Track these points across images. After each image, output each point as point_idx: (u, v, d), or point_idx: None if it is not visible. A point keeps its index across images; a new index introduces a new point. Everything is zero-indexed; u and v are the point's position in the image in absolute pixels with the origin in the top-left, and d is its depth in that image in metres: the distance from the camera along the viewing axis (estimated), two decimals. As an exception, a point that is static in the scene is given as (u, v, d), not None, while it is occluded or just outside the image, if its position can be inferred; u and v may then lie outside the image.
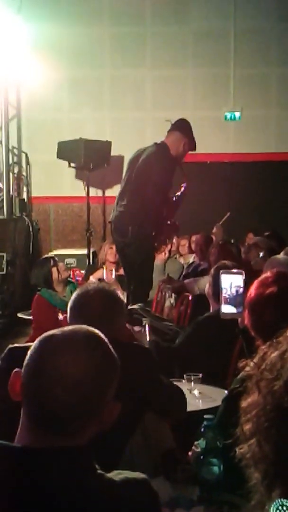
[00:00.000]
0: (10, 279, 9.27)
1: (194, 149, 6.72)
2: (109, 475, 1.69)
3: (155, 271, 6.88)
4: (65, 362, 1.68)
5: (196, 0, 10.46)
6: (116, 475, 1.71)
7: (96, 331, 1.80)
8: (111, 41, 10.59)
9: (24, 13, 10.14)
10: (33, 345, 1.77)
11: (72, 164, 9.86)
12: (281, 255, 5.00)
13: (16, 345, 2.76)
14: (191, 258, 8.11)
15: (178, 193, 6.78)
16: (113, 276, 6.96)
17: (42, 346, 1.75)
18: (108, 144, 9.53)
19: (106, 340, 1.78)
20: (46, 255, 7.43)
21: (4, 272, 9.13)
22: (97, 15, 10.53)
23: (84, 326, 1.82)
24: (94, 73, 10.59)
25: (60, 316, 5.33)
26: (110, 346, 1.78)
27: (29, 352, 1.76)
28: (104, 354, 1.75)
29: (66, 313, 2.94)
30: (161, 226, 6.60)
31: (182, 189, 6.81)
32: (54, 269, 5.78)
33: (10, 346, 2.73)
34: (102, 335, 1.79)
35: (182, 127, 6.67)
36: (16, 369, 1.78)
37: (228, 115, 10.28)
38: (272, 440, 1.22)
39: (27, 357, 1.76)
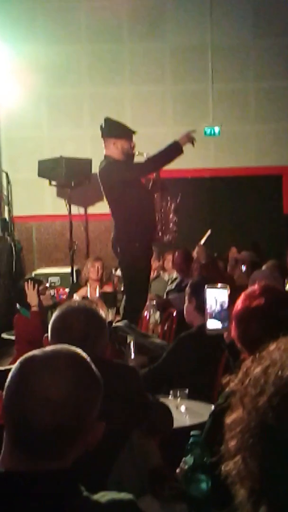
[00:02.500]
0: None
1: (131, 137, 6.69)
2: (95, 496, 1.67)
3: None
4: (46, 384, 1.66)
5: (173, 16, 10.51)
6: (102, 496, 1.69)
7: (78, 350, 1.78)
8: (89, 58, 10.61)
9: (1, 32, 10.16)
10: (14, 366, 1.75)
11: (53, 182, 9.85)
12: (263, 268, 5.02)
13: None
14: (175, 273, 8.11)
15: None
16: (97, 293, 6.94)
17: (23, 367, 1.72)
18: (88, 162, 9.52)
19: (88, 359, 1.76)
20: (29, 276, 7.41)
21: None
22: (74, 33, 10.55)
23: (66, 346, 1.80)
24: (72, 90, 10.60)
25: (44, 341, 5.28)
26: (93, 366, 1.76)
27: (10, 374, 1.74)
28: (86, 374, 1.73)
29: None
30: (147, 235, 6.59)
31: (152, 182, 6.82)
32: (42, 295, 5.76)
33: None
34: (84, 355, 1.77)
35: (109, 131, 6.67)
36: None
37: (208, 130, 10.32)
38: (257, 456, 1.22)
39: (8, 378, 1.73)
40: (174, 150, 6.60)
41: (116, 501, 1.69)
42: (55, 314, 2.86)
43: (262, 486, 1.23)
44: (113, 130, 6.60)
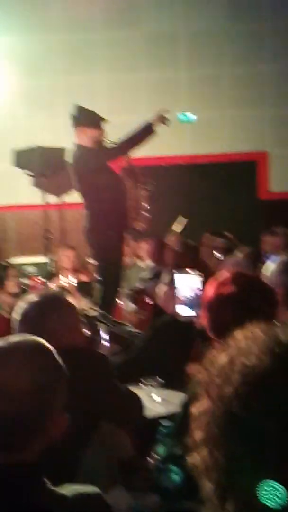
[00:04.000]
0: None
1: (102, 125, 6.65)
2: (61, 490, 1.63)
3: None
4: (7, 374, 1.62)
5: (145, 4, 10.43)
6: (67, 489, 1.65)
7: (41, 340, 1.74)
8: (62, 47, 10.51)
9: None
10: None
11: (28, 172, 9.77)
12: (237, 255, 4.98)
13: None
14: (149, 261, 8.07)
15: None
16: (72, 282, 6.89)
17: None
18: (63, 151, 9.45)
19: (51, 349, 1.72)
20: (3, 263, 7.34)
21: None
22: (49, 23, 10.46)
23: (29, 336, 1.76)
24: (47, 80, 10.51)
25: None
26: (56, 356, 1.71)
27: None
28: (48, 365, 1.69)
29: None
30: (120, 223, 6.55)
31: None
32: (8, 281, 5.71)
33: None
34: (47, 345, 1.73)
35: (80, 119, 6.62)
36: None
37: (182, 117, 10.25)
38: (223, 448, 1.18)
39: None
40: (145, 131, 6.55)
41: (82, 493, 1.65)
42: (17, 307, 2.81)
43: (228, 478, 1.19)
44: (84, 118, 6.55)
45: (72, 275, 7.29)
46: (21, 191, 10.40)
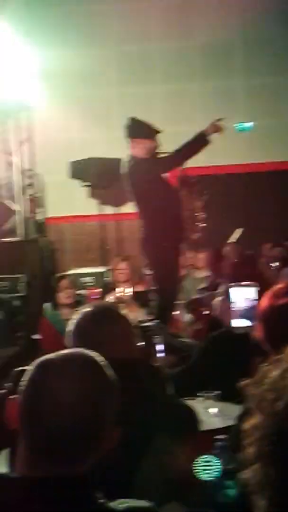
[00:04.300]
0: (28, 301, 9.23)
1: (156, 136, 6.62)
2: (112, 504, 1.62)
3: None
4: (59, 388, 1.62)
5: (202, 14, 10.43)
6: (120, 503, 1.64)
7: (93, 354, 1.73)
8: (118, 59, 10.58)
9: (32, 36, 10.17)
10: (29, 370, 1.71)
11: (85, 183, 9.85)
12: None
13: (23, 367, 2.68)
14: (207, 272, 8.03)
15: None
16: (128, 293, 6.90)
17: (37, 371, 1.69)
18: (119, 162, 9.49)
19: (103, 363, 1.71)
20: (59, 274, 7.39)
21: (23, 293, 9.11)
22: (104, 35, 10.54)
23: (81, 350, 1.76)
24: (102, 92, 10.59)
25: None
26: (108, 369, 1.70)
27: (24, 378, 1.70)
28: (101, 378, 1.68)
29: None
30: (175, 234, 6.53)
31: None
32: (60, 292, 5.74)
33: (17, 369, 2.66)
34: (98, 358, 1.72)
35: (134, 131, 6.60)
36: (10, 397, 1.72)
37: (240, 126, 10.19)
38: (276, 464, 1.15)
39: (24, 383, 1.69)
40: (199, 141, 6.51)
41: (134, 508, 1.64)
42: (73, 318, 2.80)
43: (281, 496, 1.16)
44: (138, 130, 6.56)
45: (128, 286, 7.29)
46: (77, 202, 10.49)
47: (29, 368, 1.72)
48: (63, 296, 6.14)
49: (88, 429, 1.61)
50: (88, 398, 1.62)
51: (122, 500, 1.68)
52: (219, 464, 1.02)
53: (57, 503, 1.57)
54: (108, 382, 1.69)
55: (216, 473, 1.03)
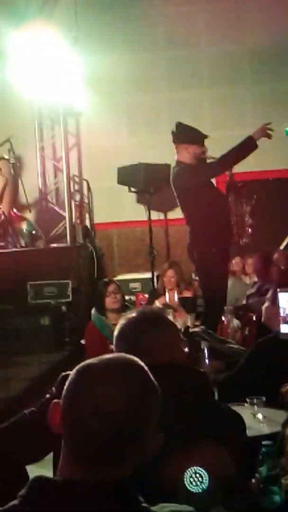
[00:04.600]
0: (76, 306, 9.28)
1: (203, 141, 6.58)
2: (154, 508, 1.61)
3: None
4: (101, 393, 1.61)
5: (251, 18, 10.38)
6: (162, 508, 1.63)
7: (135, 359, 1.72)
8: (166, 64, 10.59)
9: (80, 43, 10.24)
10: (71, 375, 1.71)
11: (133, 189, 9.86)
12: None
13: (68, 372, 2.68)
14: (255, 277, 7.97)
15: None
16: (175, 298, 6.89)
17: (78, 376, 1.69)
18: (167, 167, 9.49)
19: (145, 368, 1.70)
20: (107, 279, 7.41)
21: (70, 299, 9.15)
22: (152, 40, 10.56)
23: (123, 354, 1.75)
24: (151, 97, 10.60)
25: (112, 346, 5.28)
26: (149, 374, 1.69)
27: (66, 383, 1.70)
28: (143, 383, 1.67)
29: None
30: (223, 240, 6.49)
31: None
32: (107, 297, 5.76)
33: (63, 373, 2.66)
34: (140, 363, 1.71)
35: (181, 136, 6.56)
36: (54, 401, 1.72)
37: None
38: None
39: (65, 387, 1.69)
40: (247, 145, 6.46)
41: (175, 513, 1.63)
42: (119, 323, 2.80)
43: None
44: (185, 135, 6.54)
45: (176, 292, 7.28)
46: (125, 208, 10.52)
47: (71, 373, 1.72)
48: (110, 301, 6.17)
49: (129, 434, 1.60)
50: (128, 402, 1.61)
51: (165, 504, 1.67)
52: (207, 476, 1.02)
53: (100, 507, 1.57)
54: (150, 387, 1.68)
55: (204, 485, 1.03)
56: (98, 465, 1.61)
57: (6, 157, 9.32)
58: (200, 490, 1.03)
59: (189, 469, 1.05)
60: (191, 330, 5.04)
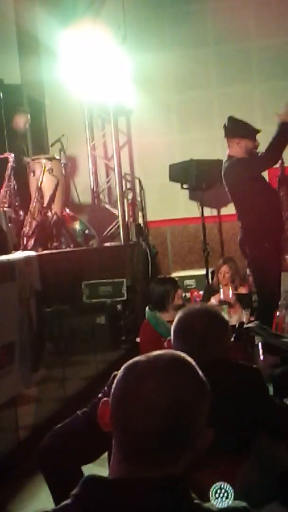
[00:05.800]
0: (131, 305, 9.30)
1: (255, 136, 6.48)
2: (207, 504, 1.59)
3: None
4: (149, 390, 1.59)
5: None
6: (214, 504, 1.61)
7: (183, 355, 1.70)
8: (216, 59, 10.52)
9: (129, 41, 10.26)
10: (119, 372, 1.70)
11: (185, 186, 9.84)
12: None
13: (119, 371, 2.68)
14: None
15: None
16: (230, 294, 6.84)
17: (126, 373, 1.67)
18: (219, 163, 9.43)
19: (192, 364, 1.68)
20: (169, 276, 7.39)
21: (125, 297, 9.17)
22: (200, 36, 10.51)
23: (170, 350, 1.74)
24: (201, 93, 10.56)
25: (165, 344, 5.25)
26: (197, 370, 1.67)
27: (115, 381, 1.69)
28: (191, 379, 1.65)
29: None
30: (276, 234, 6.42)
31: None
32: (173, 294, 5.74)
33: (115, 372, 2.66)
34: (189, 359, 1.69)
35: (233, 130, 6.47)
36: (104, 399, 1.71)
37: None
38: None
39: (114, 385, 1.68)
40: (285, 131, 6.34)
41: (229, 509, 1.60)
42: (177, 317, 2.80)
43: None
44: (237, 129, 6.47)
45: (231, 287, 7.23)
46: (178, 204, 10.50)
47: (120, 370, 1.71)
48: (177, 298, 6.12)
49: (179, 431, 1.59)
50: (177, 399, 1.59)
51: (218, 500, 1.64)
52: (232, 492, 1.01)
53: (153, 505, 1.55)
54: (199, 383, 1.66)
55: (229, 501, 1.01)
56: (149, 463, 1.59)
57: (58, 157, 9.38)
58: (225, 506, 1.03)
59: (215, 485, 1.03)
60: (245, 325, 4.99)
